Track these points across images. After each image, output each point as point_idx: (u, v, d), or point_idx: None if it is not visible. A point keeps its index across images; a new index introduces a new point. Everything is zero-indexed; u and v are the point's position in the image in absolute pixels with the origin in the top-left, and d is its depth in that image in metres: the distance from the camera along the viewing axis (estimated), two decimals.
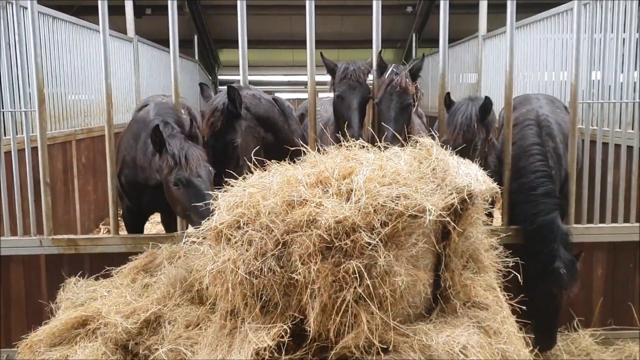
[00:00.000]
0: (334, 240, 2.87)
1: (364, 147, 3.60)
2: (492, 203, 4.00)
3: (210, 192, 4.07)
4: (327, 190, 3.10)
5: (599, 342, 5.33)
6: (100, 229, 8.94)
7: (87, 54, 8.63)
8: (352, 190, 3.03)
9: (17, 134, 5.42)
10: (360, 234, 2.87)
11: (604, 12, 6.22)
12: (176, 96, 5.19)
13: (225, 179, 3.53)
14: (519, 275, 3.83)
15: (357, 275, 2.85)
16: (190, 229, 4.64)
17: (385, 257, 2.89)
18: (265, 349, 2.89)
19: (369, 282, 2.86)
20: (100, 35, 5.04)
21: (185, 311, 3.85)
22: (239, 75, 5.27)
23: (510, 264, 3.92)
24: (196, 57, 17.01)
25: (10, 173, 5.29)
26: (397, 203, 2.94)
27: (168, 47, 5.24)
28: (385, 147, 3.67)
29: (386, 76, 5.01)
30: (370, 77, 5.31)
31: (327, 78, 5.42)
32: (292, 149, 4.17)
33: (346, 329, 2.91)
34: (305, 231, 2.91)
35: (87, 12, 13.12)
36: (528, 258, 4.44)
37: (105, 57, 5.02)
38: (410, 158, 3.46)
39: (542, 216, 4.94)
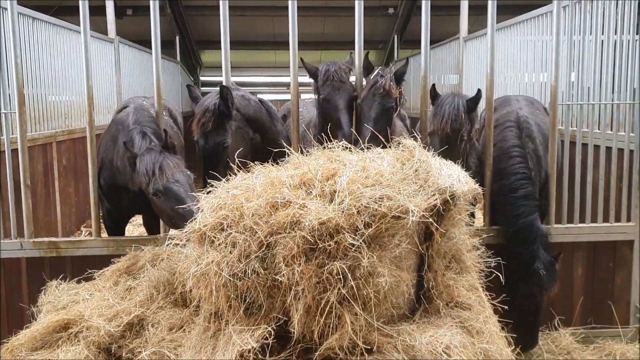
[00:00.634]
0: (318, 241, 2.87)
1: (346, 148, 3.61)
2: (474, 204, 4.03)
3: (192, 195, 4.06)
4: (311, 192, 3.10)
5: (580, 341, 5.40)
6: (82, 232, 8.86)
7: (68, 55, 8.56)
8: (335, 192, 3.03)
9: None
10: (344, 235, 2.88)
11: (583, 14, 6.32)
12: (159, 98, 5.15)
13: (209, 181, 3.52)
14: (500, 276, 3.87)
15: (341, 276, 2.85)
16: (173, 231, 4.62)
17: (368, 258, 2.89)
18: (249, 351, 2.89)
19: (352, 283, 2.87)
20: (81, 36, 5.00)
21: (168, 314, 3.84)
22: (221, 76, 5.22)
23: (492, 264, 3.95)
24: (178, 58, 16.90)
25: None
26: (380, 204, 2.95)
27: (149, 48, 5.20)
28: (368, 148, 3.68)
29: (371, 77, 5.02)
30: (353, 77, 5.30)
31: (310, 79, 5.37)
32: (277, 150, 4.16)
33: (330, 330, 2.91)
34: (288, 233, 2.91)
35: (67, 12, 12.96)
36: (509, 259, 4.49)
37: (86, 58, 4.98)
38: (393, 159, 3.47)
39: (522, 218, 5.02)
